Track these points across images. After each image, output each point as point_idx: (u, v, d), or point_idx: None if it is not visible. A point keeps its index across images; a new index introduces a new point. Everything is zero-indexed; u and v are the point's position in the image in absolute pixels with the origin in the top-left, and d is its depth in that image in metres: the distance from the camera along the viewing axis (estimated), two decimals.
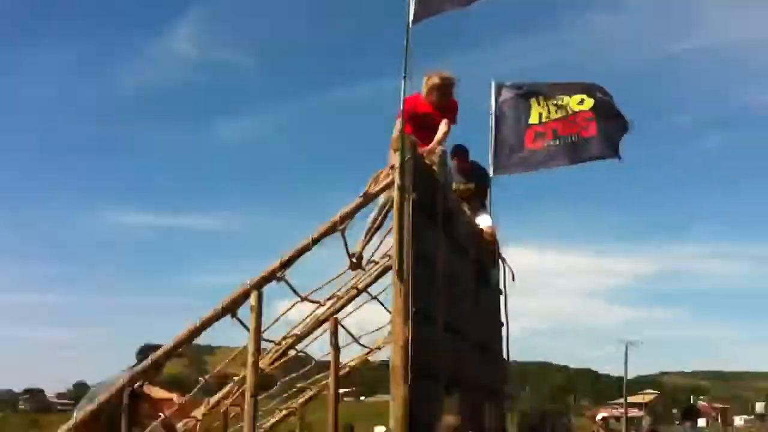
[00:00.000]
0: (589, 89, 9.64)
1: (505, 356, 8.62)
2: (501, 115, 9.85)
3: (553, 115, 9.67)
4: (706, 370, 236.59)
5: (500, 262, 8.61)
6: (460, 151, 8.06)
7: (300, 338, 7.25)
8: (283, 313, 6.30)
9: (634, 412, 70.66)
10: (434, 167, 6.00)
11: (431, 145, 6.14)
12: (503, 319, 8.72)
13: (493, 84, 10.07)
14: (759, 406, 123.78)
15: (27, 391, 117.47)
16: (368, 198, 5.69)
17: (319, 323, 7.10)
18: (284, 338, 7.10)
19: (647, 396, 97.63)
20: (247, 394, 5.40)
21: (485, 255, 7.84)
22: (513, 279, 8.78)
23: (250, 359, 5.51)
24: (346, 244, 5.78)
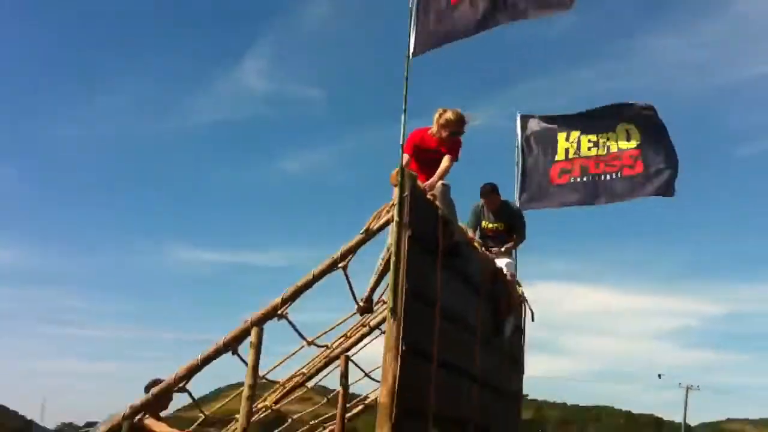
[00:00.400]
0: (635, 116, 9.44)
1: (520, 395, 8.45)
2: (527, 148, 9.78)
3: (584, 152, 9.53)
4: None
5: (521, 303, 8.50)
6: (488, 190, 7.96)
7: (309, 377, 7.21)
8: (288, 356, 6.28)
9: None
10: (436, 202, 5.93)
11: (432, 179, 6.10)
12: (522, 358, 8.59)
13: (519, 116, 10.02)
14: None
15: (88, 423, 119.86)
16: (370, 234, 5.66)
17: (330, 360, 7.06)
18: (292, 377, 7.07)
19: None
20: (239, 428, 5.38)
21: (503, 294, 7.69)
22: (533, 319, 8.65)
23: (245, 393, 5.50)
24: (349, 282, 5.74)
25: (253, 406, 6.88)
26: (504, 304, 7.57)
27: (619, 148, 9.24)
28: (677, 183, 9.20)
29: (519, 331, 8.56)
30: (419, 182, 5.91)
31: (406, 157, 6.29)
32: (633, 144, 9.29)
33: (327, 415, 8.05)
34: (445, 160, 6.30)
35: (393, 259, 5.31)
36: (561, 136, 9.55)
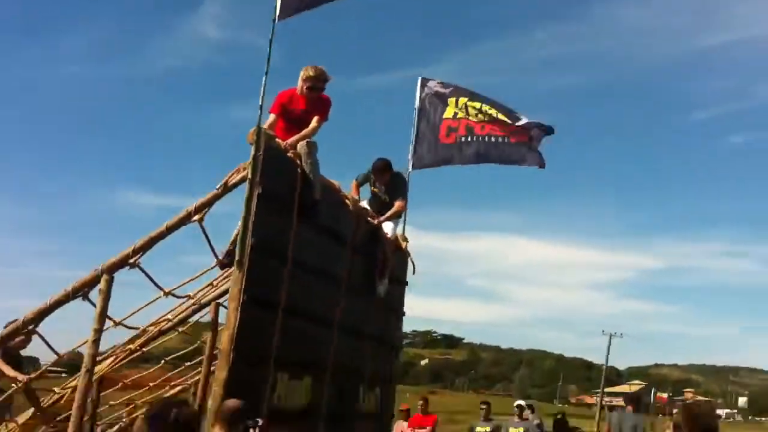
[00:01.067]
0: (510, 116, 9.91)
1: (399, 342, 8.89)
2: (422, 110, 10.04)
3: (472, 117, 9.89)
4: (700, 364, 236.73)
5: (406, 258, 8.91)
6: (380, 167, 8.20)
7: (175, 323, 7.47)
8: (146, 305, 6.49)
9: (618, 401, 71.13)
10: (298, 161, 6.14)
11: (292, 138, 6.28)
12: (402, 308, 9.02)
13: (419, 79, 10.24)
14: (741, 401, 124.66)
15: None
16: (225, 190, 5.87)
17: (199, 308, 7.31)
18: (156, 323, 7.31)
19: (633, 386, 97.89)
20: (83, 369, 5.64)
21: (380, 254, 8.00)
22: (414, 272, 9.06)
23: (91, 337, 5.73)
24: (206, 235, 5.97)
25: (120, 349, 7.17)
26: (380, 264, 7.90)
27: (502, 120, 9.69)
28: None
29: (401, 283, 8.95)
30: (280, 141, 6.13)
31: (272, 116, 6.50)
32: (514, 122, 9.81)
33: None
34: (314, 121, 6.50)
35: (243, 214, 5.56)
36: (451, 101, 9.90)
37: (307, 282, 6.30)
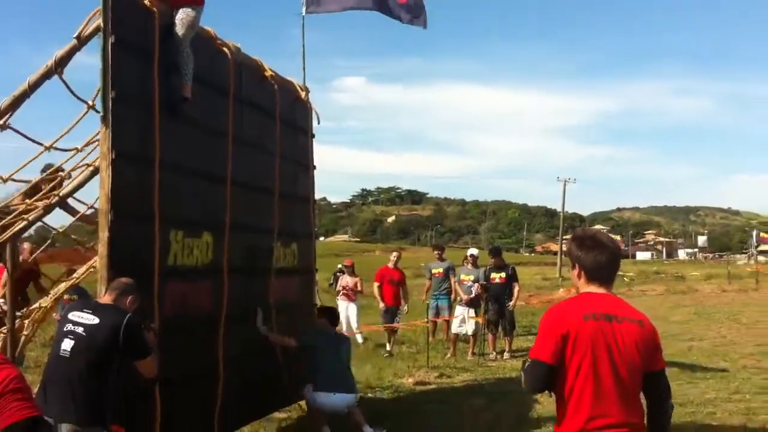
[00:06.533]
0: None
1: (310, 197, 8.81)
2: None
3: None
4: (660, 205, 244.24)
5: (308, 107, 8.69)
6: None
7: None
8: (28, 161, 6.23)
9: None
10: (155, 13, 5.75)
11: None
12: (311, 161, 8.88)
13: None
14: (701, 240, 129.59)
15: None
16: (82, 41, 5.53)
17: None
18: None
19: None
20: None
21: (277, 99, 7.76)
22: (318, 122, 8.87)
23: None
24: (68, 87, 5.66)
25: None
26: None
27: None
28: None
29: (306, 134, 8.76)
30: None
31: None
32: None
33: None
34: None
35: (100, 65, 5.25)
36: None
37: (184, 135, 6.08)
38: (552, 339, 3.23)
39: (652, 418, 3.37)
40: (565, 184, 62.45)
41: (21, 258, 7.54)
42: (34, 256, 7.97)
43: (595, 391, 3.19)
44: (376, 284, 14.28)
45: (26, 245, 7.59)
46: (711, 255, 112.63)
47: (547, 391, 3.36)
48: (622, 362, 3.21)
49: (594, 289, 3.40)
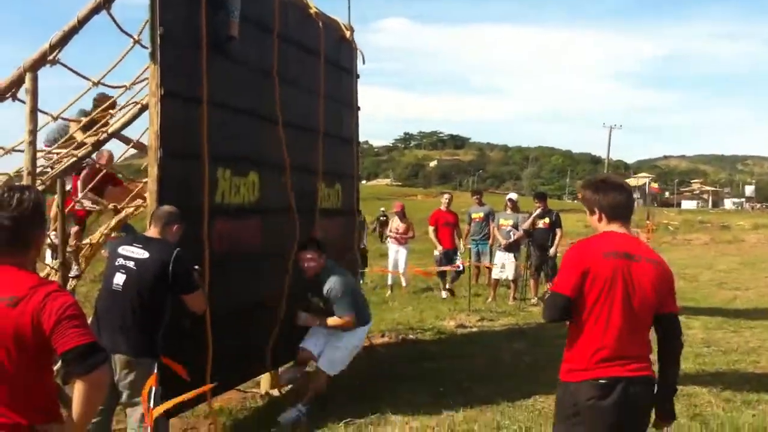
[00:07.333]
0: None
1: (354, 139, 8.80)
2: None
3: None
4: (708, 154, 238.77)
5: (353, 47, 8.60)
6: None
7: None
8: (78, 97, 6.32)
9: None
10: None
11: None
12: (356, 102, 8.84)
13: None
14: (749, 190, 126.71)
15: None
16: None
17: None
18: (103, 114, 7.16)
19: (641, 179, 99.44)
20: (24, 173, 5.64)
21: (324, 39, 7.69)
22: (363, 63, 8.80)
23: (26, 138, 5.67)
24: (115, 22, 5.66)
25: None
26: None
27: None
28: None
29: (350, 74, 8.69)
30: None
31: None
32: None
33: None
34: None
35: (149, 1, 5.25)
36: None
37: (230, 74, 6.07)
38: (573, 273, 3.40)
39: (662, 354, 3.54)
40: (611, 131, 61.41)
41: (99, 164, 7.78)
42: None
43: (606, 324, 3.37)
44: (431, 228, 14.06)
45: (105, 151, 7.70)
46: (758, 205, 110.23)
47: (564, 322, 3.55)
48: (636, 299, 3.38)
49: (615, 228, 3.55)
